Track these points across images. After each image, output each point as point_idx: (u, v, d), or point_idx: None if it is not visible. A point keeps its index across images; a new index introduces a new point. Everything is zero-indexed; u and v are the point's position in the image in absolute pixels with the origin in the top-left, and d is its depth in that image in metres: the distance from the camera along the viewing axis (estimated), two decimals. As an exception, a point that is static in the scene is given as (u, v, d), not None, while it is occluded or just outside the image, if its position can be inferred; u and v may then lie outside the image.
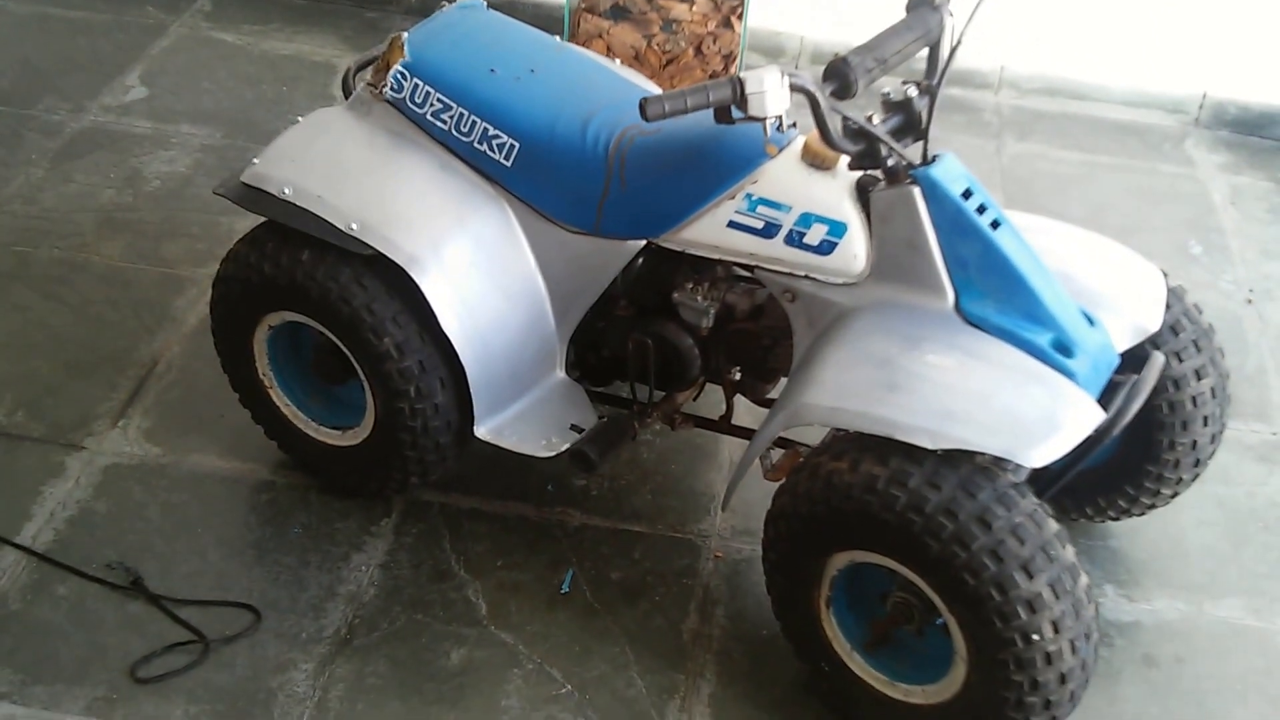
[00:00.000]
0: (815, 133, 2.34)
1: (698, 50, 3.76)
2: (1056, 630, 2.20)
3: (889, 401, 2.27)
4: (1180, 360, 2.67)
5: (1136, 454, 2.79)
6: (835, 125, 2.29)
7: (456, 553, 2.84)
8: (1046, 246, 2.64)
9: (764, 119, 2.16)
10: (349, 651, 2.64)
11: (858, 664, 2.49)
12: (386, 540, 2.86)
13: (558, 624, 2.71)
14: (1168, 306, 2.68)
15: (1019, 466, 2.35)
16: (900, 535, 2.25)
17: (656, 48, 3.75)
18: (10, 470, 2.95)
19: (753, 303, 2.72)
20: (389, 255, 2.59)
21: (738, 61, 3.77)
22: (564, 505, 2.96)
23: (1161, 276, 2.65)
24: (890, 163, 2.37)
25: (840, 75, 2.31)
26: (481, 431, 2.73)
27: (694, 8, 3.72)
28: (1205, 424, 2.73)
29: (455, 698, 2.56)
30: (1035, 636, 2.20)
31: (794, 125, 2.27)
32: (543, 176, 2.68)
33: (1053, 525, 2.24)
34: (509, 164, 2.69)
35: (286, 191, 2.65)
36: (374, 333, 2.63)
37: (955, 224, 2.35)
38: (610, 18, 3.77)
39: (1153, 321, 2.54)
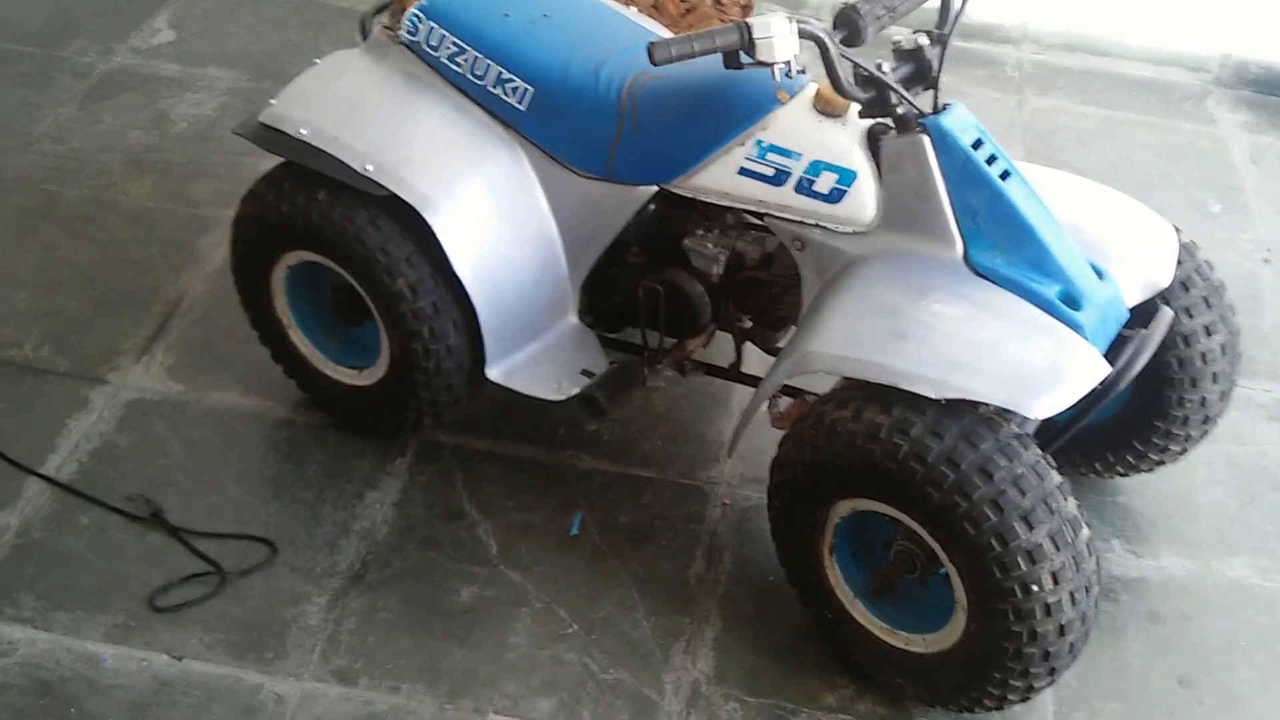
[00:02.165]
0: (826, 79, 2.36)
1: (716, 0, 3.75)
2: (1056, 582, 2.23)
3: (894, 350, 2.29)
4: (1190, 316, 2.68)
5: (1146, 410, 2.80)
6: (845, 72, 2.30)
7: (469, 493, 2.89)
8: (1059, 199, 2.64)
9: (772, 64, 2.18)
10: (361, 586, 2.69)
11: (860, 611, 2.53)
12: (400, 479, 2.91)
13: (566, 565, 2.76)
14: (1179, 262, 2.68)
15: (1024, 418, 2.38)
16: (902, 484, 2.27)
17: (677, -4, 3.76)
18: (35, 403, 3.01)
19: (763, 251, 2.74)
20: (403, 196, 2.62)
21: (754, 11, 3.76)
22: (575, 449, 3.00)
23: (1174, 232, 2.65)
24: (900, 111, 2.39)
25: (850, 22, 2.32)
26: (493, 373, 2.77)
27: (720, -44, 3.72)
28: (1215, 381, 2.73)
29: (464, 634, 2.61)
30: (1035, 587, 2.22)
31: (803, 71, 2.27)
32: (556, 121, 2.70)
33: (1055, 477, 2.26)
34: (523, 108, 2.71)
35: (303, 132, 2.68)
36: (388, 274, 2.67)
37: (964, 173, 2.36)
38: (640, -32, 3.77)
39: (1164, 276, 2.54)
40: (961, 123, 2.38)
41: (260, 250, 2.85)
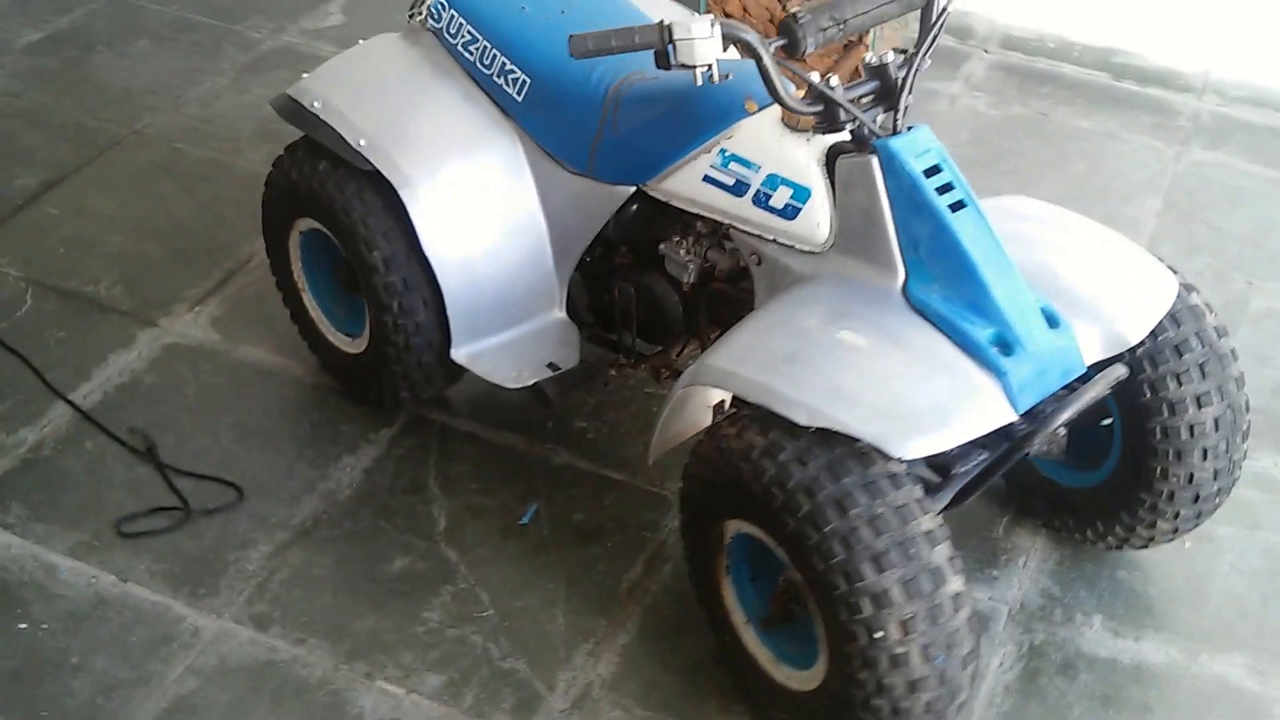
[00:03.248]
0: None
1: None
2: (905, 632, 2.08)
3: (781, 372, 2.20)
4: (1179, 383, 2.44)
5: (1132, 480, 2.57)
6: (781, 81, 2.22)
7: (438, 470, 2.94)
8: (1047, 239, 2.49)
9: (693, 67, 2.14)
10: (307, 542, 2.79)
11: (750, 638, 2.43)
12: (379, 448, 3.00)
13: (505, 552, 2.77)
14: (1177, 323, 2.45)
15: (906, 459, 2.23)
16: (765, 508, 2.18)
17: (789, 11, 3.69)
18: (90, 336, 3.27)
19: (734, 264, 2.67)
20: (384, 172, 2.70)
21: (871, 34, 3.65)
22: (556, 443, 3.01)
23: (1171, 289, 2.42)
24: (853, 129, 2.29)
25: (788, 32, 2.26)
26: (458, 355, 2.82)
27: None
28: (1205, 458, 2.48)
29: (383, 601, 2.67)
30: (879, 634, 2.08)
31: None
32: (547, 114, 2.73)
33: (923, 523, 2.11)
34: (520, 99, 2.75)
35: (316, 105, 2.82)
36: (366, 246, 2.76)
37: (911, 200, 2.24)
38: (741, -25, 3.74)
39: (1133, 334, 2.32)
40: (916, 147, 2.25)
41: (278, 214, 3.00)
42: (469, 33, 2.81)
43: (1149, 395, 2.47)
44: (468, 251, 2.75)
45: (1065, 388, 2.30)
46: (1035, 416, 2.30)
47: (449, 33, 2.85)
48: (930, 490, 2.41)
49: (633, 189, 2.63)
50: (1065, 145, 4.03)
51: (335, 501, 2.88)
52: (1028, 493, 2.84)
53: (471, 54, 2.81)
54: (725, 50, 2.15)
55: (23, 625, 2.61)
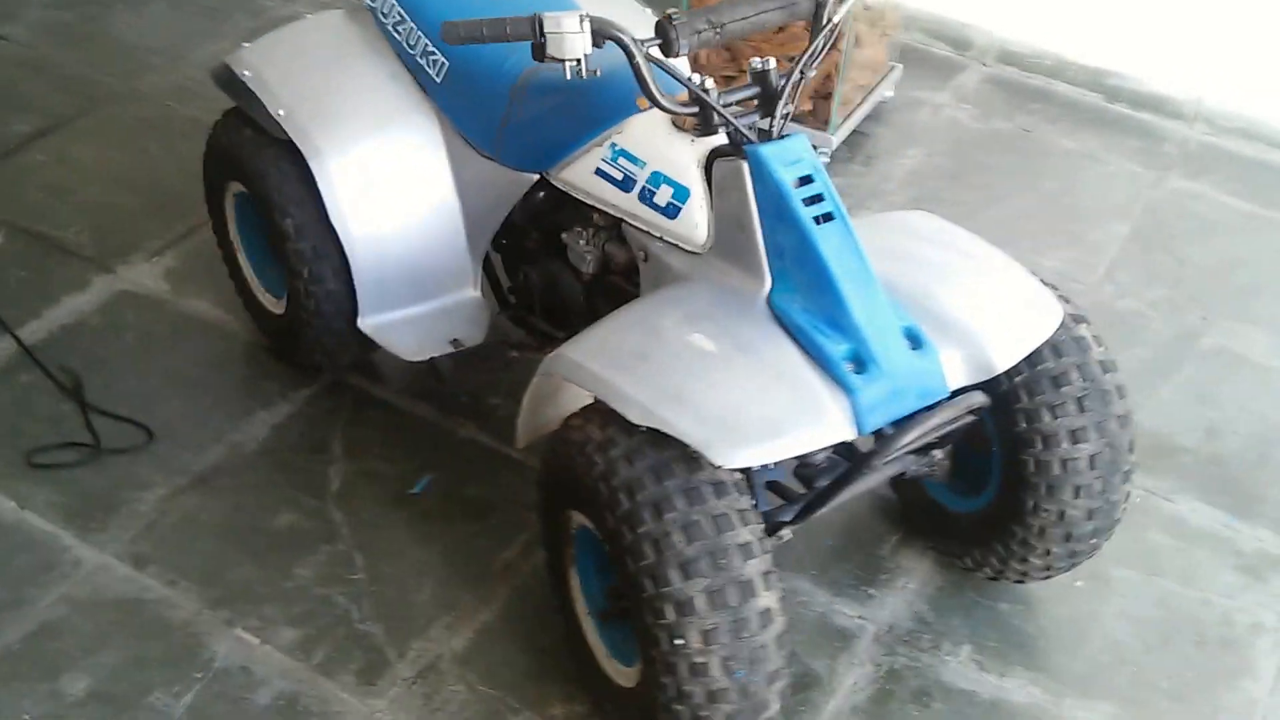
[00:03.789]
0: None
1: (807, 25, 3.64)
2: (706, 642, 2.06)
3: (626, 369, 2.20)
4: (1055, 416, 2.39)
5: (1007, 510, 2.52)
6: (653, 80, 2.22)
7: (344, 433, 2.99)
8: (932, 258, 2.46)
9: (563, 60, 2.16)
10: (202, 489, 2.86)
11: (590, 629, 2.43)
12: (293, 406, 3.05)
13: (390, 519, 2.81)
14: (1059, 354, 2.40)
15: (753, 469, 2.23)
16: (593, 503, 2.18)
17: (772, 15, 3.68)
18: (49, 277, 3.37)
19: (630, 258, 2.67)
20: (296, 142, 2.76)
21: (845, 41, 3.62)
22: (466, 418, 3.03)
23: (1054, 319, 2.36)
24: (727, 133, 2.29)
25: (662, 32, 2.25)
26: (364, 324, 2.86)
27: (812, -20, 3.61)
28: (1077, 495, 2.42)
29: (260, 553, 2.72)
30: (679, 641, 2.07)
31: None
32: (462, 97, 2.76)
33: (742, 535, 2.08)
34: (439, 80, 2.78)
35: (246, 74, 2.88)
36: (279, 212, 2.81)
37: (776, 208, 2.22)
38: (734, -20, 3.73)
39: (1001, 361, 2.27)
40: (787, 155, 2.23)
41: (214, 177, 3.08)
42: (399, 13, 2.85)
43: (1024, 426, 2.42)
44: (377, 225, 2.79)
45: (931, 410, 2.27)
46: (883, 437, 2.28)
47: (382, 13, 2.89)
48: (790, 501, 2.42)
49: (536, 177, 2.66)
50: (1042, 162, 3.96)
51: (239, 453, 2.94)
52: (918, 514, 2.80)
53: (400, 34, 2.85)
54: (600, 46, 2.16)
55: (-81, 540, 2.73)
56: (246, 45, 2.96)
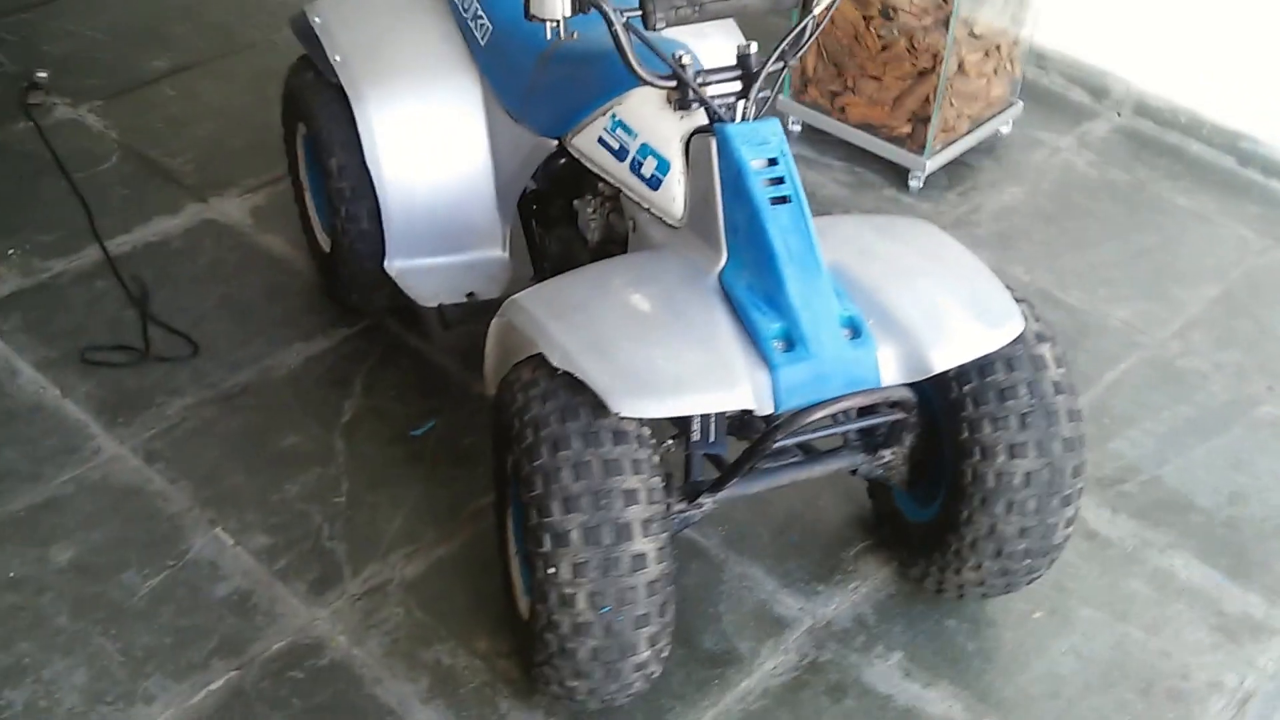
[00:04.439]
0: None
1: (910, 44, 3.66)
2: (575, 575, 2.16)
3: (562, 317, 2.31)
4: (995, 428, 2.39)
5: (946, 519, 2.52)
6: (631, 49, 2.33)
7: (369, 372, 3.17)
8: (902, 258, 2.49)
9: (544, 20, 2.29)
10: (224, 404, 3.08)
11: (514, 568, 2.54)
12: (330, 342, 3.25)
13: (385, 454, 2.97)
14: (1010, 368, 2.40)
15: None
16: (507, 436, 2.30)
17: (873, 30, 3.71)
18: (149, 199, 3.67)
19: (627, 228, 2.78)
20: (344, 86, 2.96)
21: (943, 64, 3.62)
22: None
23: (1009, 333, 2.35)
24: (699, 109, 2.37)
25: (642, 4, 2.34)
26: (389, 266, 3.03)
27: (917, 1, 3.62)
28: (1009, 510, 2.41)
29: (257, 467, 2.92)
30: (551, 570, 2.17)
31: None
32: (499, 61, 2.91)
33: (630, 482, 2.17)
34: (482, 44, 2.94)
35: (317, 21, 3.09)
36: (326, 151, 3.02)
37: (735, 186, 2.30)
38: (836, -9, 3.77)
39: (938, 363, 2.28)
40: (754, 136, 2.31)
41: (287, 118, 3.31)
42: None
43: (966, 435, 2.42)
44: (409, 173, 2.96)
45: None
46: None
47: None
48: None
49: (555, 143, 2.78)
50: (1147, 217, 3.86)
51: (268, 378, 3.15)
52: (883, 522, 2.81)
53: None
54: (586, 12, 2.27)
55: (-33, 411, 3.03)
56: (326, -4, 3.18)
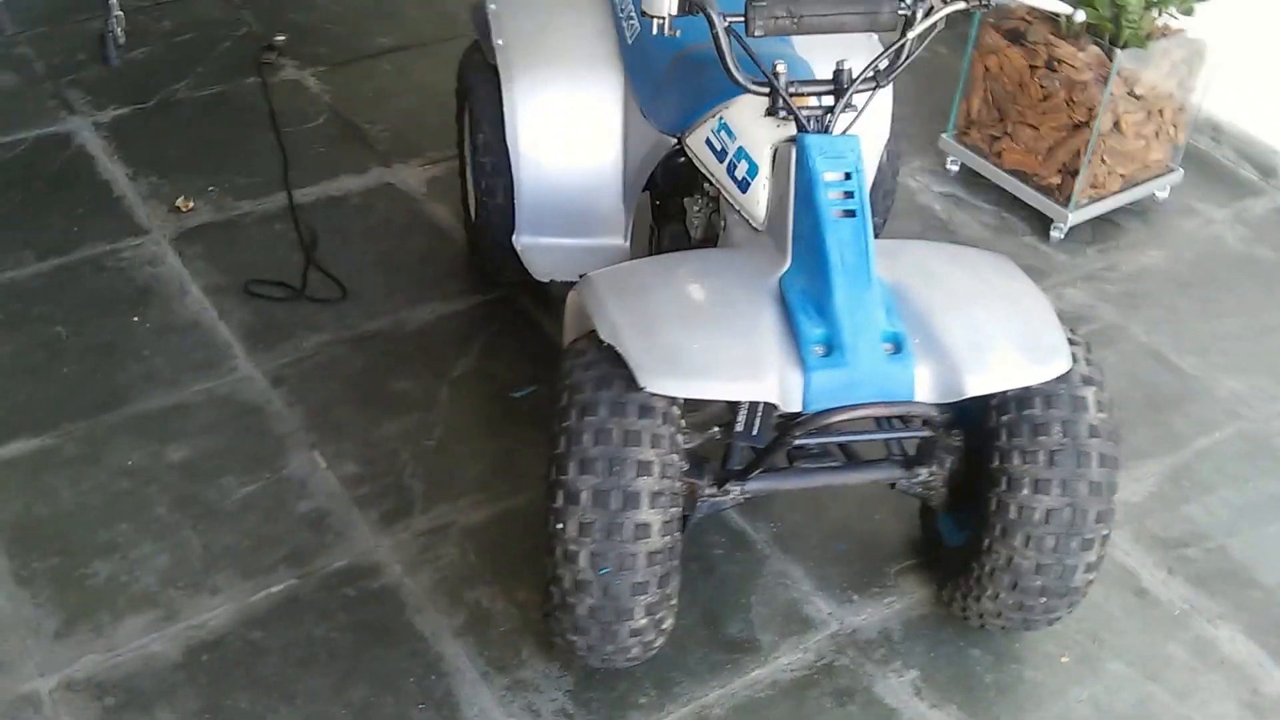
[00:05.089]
0: None
1: (1070, 97, 3.65)
2: (580, 534, 2.30)
3: (619, 295, 2.45)
4: (1024, 461, 2.42)
5: (971, 546, 2.56)
6: (730, 52, 2.45)
7: (488, 337, 3.39)
8: (967, 286, 2.55)
9: (652, 17, 2.46)
10: (354, 345, 3.35)
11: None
12: (463, 305, 3.49)
13: (483, 409, 3.19)
14: (1049, 405, 2.43)
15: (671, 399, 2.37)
16: (555, 401, 2.47)
17: (1036, 80, 3.72)
18: (341, 158, 4.01)
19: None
20: (497, 66, 3.19)
21: (1096, 121, 3.60)
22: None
23: (1053, 370, 2.39)
24: (786, 116, 2.49)
25: (745, 10, 2.48)
26: (517, 241, 3.24)
27: (1081, 54, 3.61)
28: (1026, 544, 2.44)
29: (366, 404, 3.18)
30: (559, 526, 2.32)
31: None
32: (640, 60, 3.08)
33: (646, 454, 2.29)
34: (630, 42, 3.13)
35: (492, 8, 3.34)
36: (475, 127, 3.26)
37: (805, 196, 2.40)
38: (1009, 39, 3.78)
39: (970, 388, 2.33)
40: (832, 149, 2.41)
41: (457, 96, 3.57)
42: None
43: (996, 463, 2.46)
44: (545, 155, 3.15)
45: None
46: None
47: None
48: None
49: (674, 140, 2.94)
50: (1284, 299, 3.76)
51: (400, 329, 3.41)
52: (927, 544, 2.85)
53: None
54: (694, 13, 2.42)
55: (135, 319, 3.39)
56: (502, -11, 3.43)
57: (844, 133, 2.46)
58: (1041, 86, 3.72)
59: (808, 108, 2.46)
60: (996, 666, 2.70)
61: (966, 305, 2.46)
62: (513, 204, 3.23)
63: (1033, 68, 3.73)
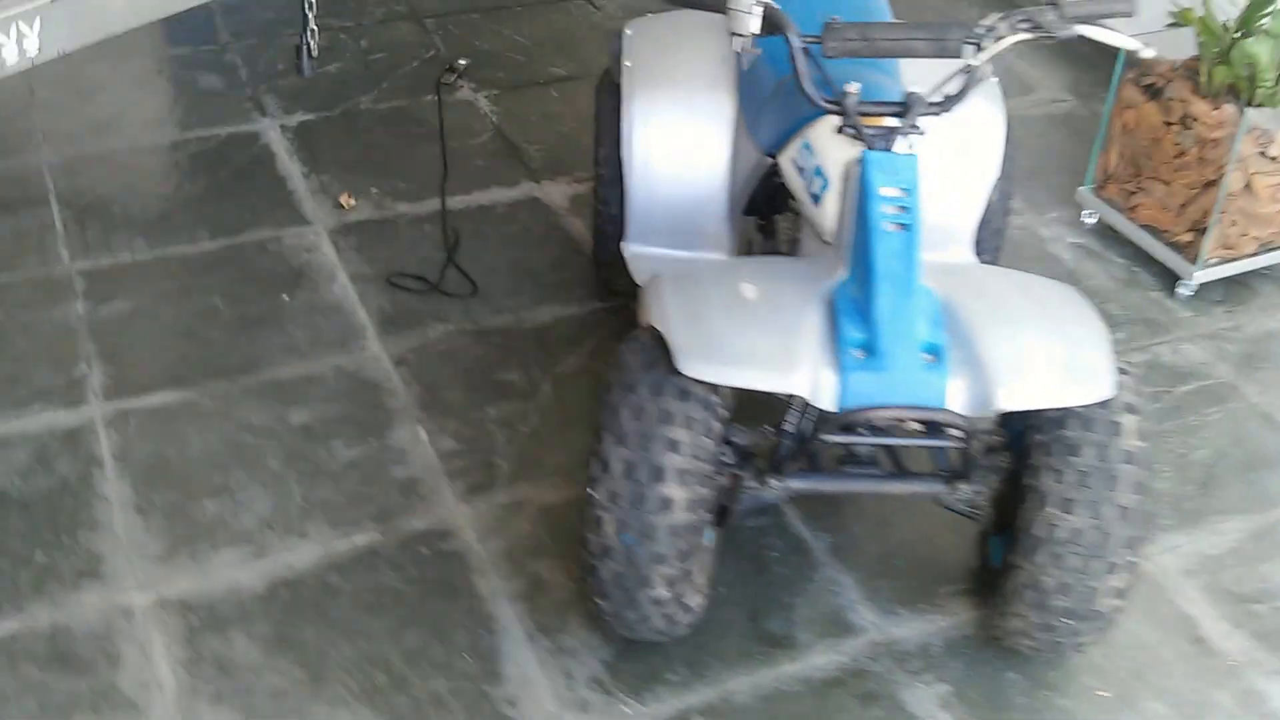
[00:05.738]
0: None
1: (1201, 154, 3.64)
2: (609, 501, 2.46)
3: (678, 289, 2.62)
4: (1056, 480, 2.48)
5: (1005, 567, 2.61)
6: (805, 70, 2.60)
7: (599, 340, 3.59)
8: (1017, 304, 2.65)
9: (734, 35, 2.64)
10: (475, 337, 3.59)
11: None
12: (581, 310, 3.69)
13: (580, 405, 3.36)
14: (1085, 427, 2.48)
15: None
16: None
17: (1171, 136, 3.72)
18: (495, 172, 4.28)
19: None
20: (621, 85, 3.39)
21: (1224, 181, 3.58)
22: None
23: (1093, 394, 2.45)
24: (854, 134, 2.63)
25: (822, 32, 2.62)
26: (625, 248, 3.42)
27: (1215, 111, 3.60)
28: (1054, 563, 2.48)
29: (474, 389, 3.41)
30: (592, 493, 2.49)
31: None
32: (751, 86, 3.24)
33: (678, 433, 2.44)
34: (745, 69, 3.29)
35: (628, 34, 3.53)
36: (598, 139, 3.48)
37: (861, 209, 2.54)
38: (1147, 94, 3.79)
39: (1004, 403, 2.41)
40: (891, 166, 2.53)
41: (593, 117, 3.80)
42: None
43: (1029, 481, 2.52)
44: (656, 169, 3.32)
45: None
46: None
47: None
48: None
49: (771, 159, 3.09)
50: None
51: (518, 326, 3.64)
52: (981, 567, 2.90)
53: None
54: (775, 33, 2.58)
55: (285, 297, 3.71)
56: (649, 13, 3.64)
57: (907, 152, 2.57)
58: (1175, 143, 3.73)
59: (875, 128, 2.58)
60: (1030, 691, 2.72)
61: (1013, 324, 2.53)
62: (624, 214, 3.42)
63: (1168, 124, 3.74)
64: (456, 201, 4.13)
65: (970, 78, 2.57)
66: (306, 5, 4.57)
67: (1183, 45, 3.82)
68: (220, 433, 3.27)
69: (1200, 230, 3.73)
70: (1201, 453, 3.34)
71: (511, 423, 3.33)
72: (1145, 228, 3.90)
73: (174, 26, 5.02)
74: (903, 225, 2.48)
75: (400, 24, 5.18)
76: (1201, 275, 3.78)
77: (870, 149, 2.55)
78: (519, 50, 5.04)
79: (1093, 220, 4.08)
